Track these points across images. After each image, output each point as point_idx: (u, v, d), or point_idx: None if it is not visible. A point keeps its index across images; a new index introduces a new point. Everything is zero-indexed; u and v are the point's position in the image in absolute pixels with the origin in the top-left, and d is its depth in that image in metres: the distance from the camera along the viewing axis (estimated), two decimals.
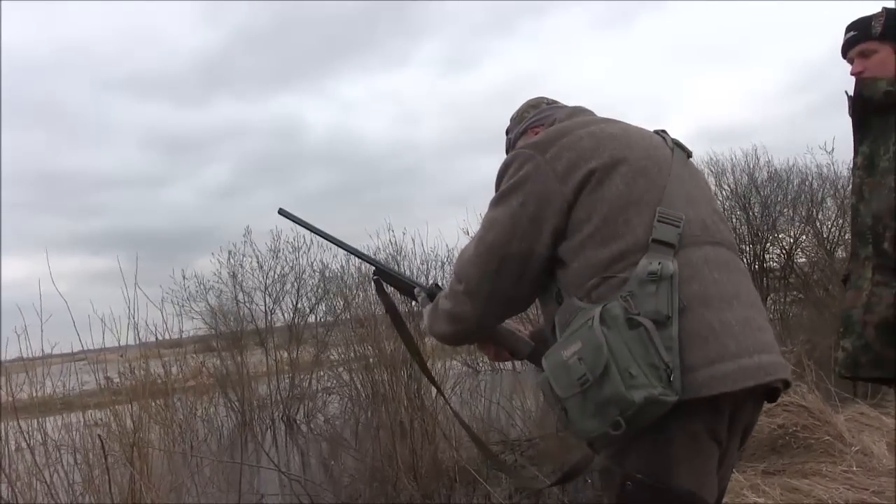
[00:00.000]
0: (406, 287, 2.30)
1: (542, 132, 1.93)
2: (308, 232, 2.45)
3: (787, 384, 1.75)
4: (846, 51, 2.62)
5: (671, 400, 1.51)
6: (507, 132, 2.20)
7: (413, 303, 2.45)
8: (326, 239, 2.42)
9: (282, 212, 2.40)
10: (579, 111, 2.03)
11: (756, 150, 12.47)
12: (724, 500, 3.97)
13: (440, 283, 2.16)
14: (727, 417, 1.67)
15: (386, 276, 2.40)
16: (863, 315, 2.45)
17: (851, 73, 2.58)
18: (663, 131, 1.94)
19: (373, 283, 2.42)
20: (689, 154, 1.91)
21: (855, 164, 2.58)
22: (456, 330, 1.92)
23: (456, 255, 11.33)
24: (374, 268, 2.42)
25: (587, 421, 1.54)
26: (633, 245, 1.65)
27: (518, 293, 1.81)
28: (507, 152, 2.14)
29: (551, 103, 2.14)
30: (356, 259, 11.34)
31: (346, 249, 2.49)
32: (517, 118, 2.16)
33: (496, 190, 1.85)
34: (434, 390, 6.62)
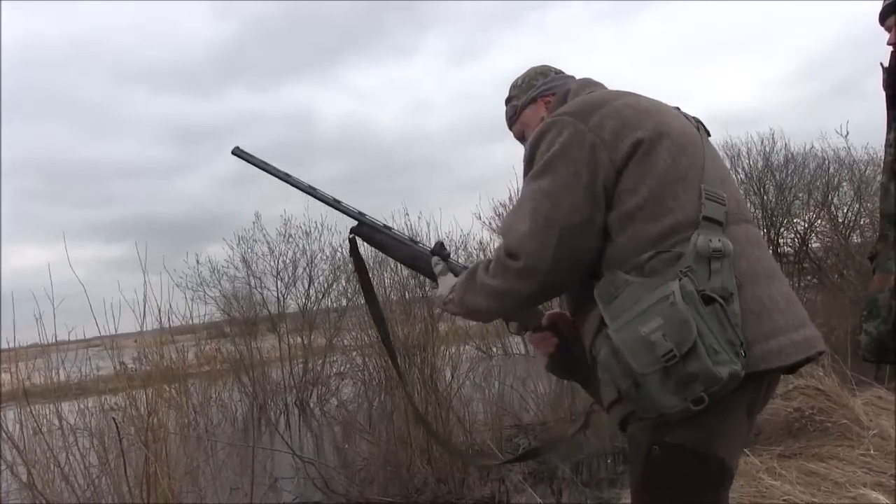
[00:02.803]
0: (404, 250, 2.11)
1: (573, 101, 1.86)
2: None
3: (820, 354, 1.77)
4: (885, 17, 2.49)
5: (742, 374, 1.53)
6: (510, 100, 2.12)
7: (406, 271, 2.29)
8: (291, 184, 2.16)
9: (236, 151, 2.20)
10: (591, 82, 2.00)
11: (773, 134, 12.36)
12: (741, 482, 3.97)
13: (445, 244, 2.05)
14: (764, 390, 1.73)
15: (373, 233, 2.13)
16: (890, 299, 2.40)
17: (888, 43, 2.46)
18: (678, 108, 1.93)
19: (348, 242, 2.19)
20: (709, 133, 1.93)
21: (888, 140, 2.49)
22: (500, 307, 1.82)
23: (471, 240, 11.33)
24: (355, 222, 2.14)
25: (667, 397, 1.52)
26: (684, 221, 1.66)
27: (575, 269, 1.72)
28: (511, 120, 2.12)
29: (559, 72, 2.10)
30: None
31: (314, 195, 2.18)
32: (524, 85, 2.09)
33: (530, 159, 1.79)
34: (446, 375, 6.63)
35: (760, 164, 12.25)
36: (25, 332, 4.54)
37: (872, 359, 2.53)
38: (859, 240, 11.07)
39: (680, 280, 1.55)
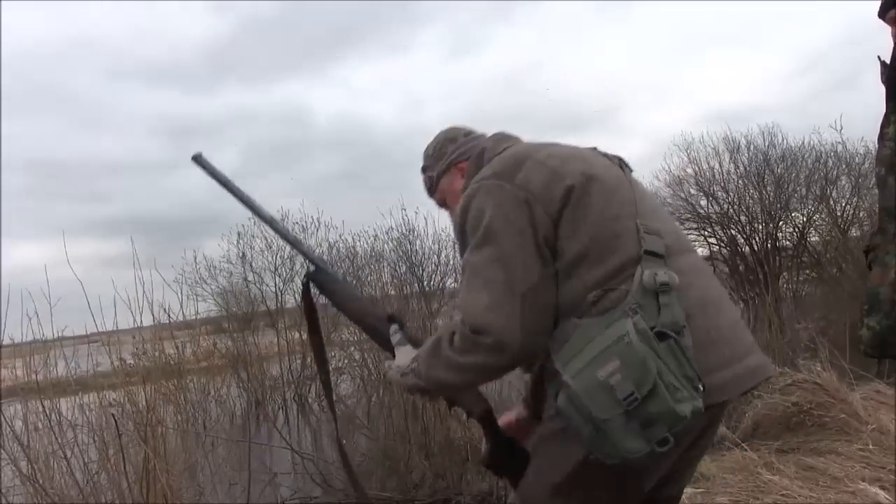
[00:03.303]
0: (360, 308, 2.02)
1: (493, 161, 1.82)
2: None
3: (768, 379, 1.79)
4: (884, 12, 2.47)
5: (703, 410, 1.51)
6: (424, 170, 2.08)
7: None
8: (253, 210, 2.00)
9: (198, 159, 1.98)
10: (505, 137, 1.98)
11: (772, 128, 12.35)
12: (738, 477, 3.98)
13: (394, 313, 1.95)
14: (713, 420, 1.74)
15: (329, 282, 2.01)
16: (891, 293, 2.39)
17: (894, 36, 2.43)
18: (594, 148, 1.91)
19: (302, 286, 2.05)
20: (631, 170, 1.91)
21: (884, 133, 2.48)
22: (473, 381, 1.79)
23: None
24: (313, 267, 2.02)
25: (631, 441, 1.48)
26: (627, 259, 1.65)
27: (546, 329, 1.66)
28: (430, 191, 2.09)
29: (468, 133, 2.05)
30: (365, 238, 11.27)
31: (275, 228, 2.07)
32: (435, 154, 2.04)
33: (462, 230, 1.75)
34: None
35: (759, 158, 12.24)
36: (24, 329, 4.53)
37: (874, 354, 2.53)
38: (858, 234, 11.07)
39: (632, 318, 1.53)
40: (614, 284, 1.62)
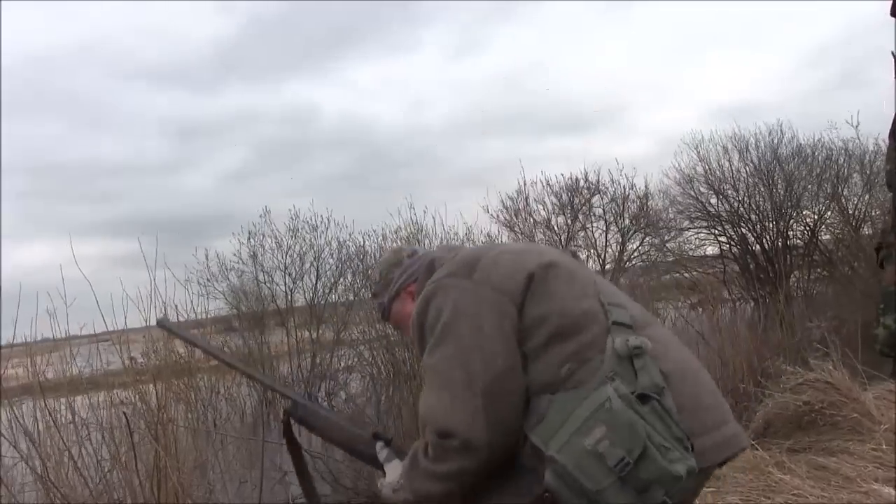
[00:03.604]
0: (344, 434, 2.00)
1: (445, 266, 1.82)
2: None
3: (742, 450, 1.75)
4: None
5: (697, 469, 1.48)
6: (375, 295, 2.08)
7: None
8: (224, 362, 2.13)
9: (161, 323, 2.16)
10: (451, 246, 2.02)
11: (781, 125, 12.30)
12: (749, 476, 3.96)
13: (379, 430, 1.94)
14: (694, 487, 1.67)
15: (310, 416, 2.02)
16: None
17: None
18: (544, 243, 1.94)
19: (282, 424, 2.08)
20: (581, 260, 1.97)
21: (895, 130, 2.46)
22: (457, 486, 1.68)
23: (476, 233, 11.33)
24: (291, 403, 2.04)
25: None
26: (597, 332, 1.63)
27: (518, 417, 1.60)
28: (384, 317, 2.08)
29: (412, 254, 2.05)
30: (375, 236, 11.30)
31: (248, 375, 2.15)
32: (382, 281, 2.04)
33: (420, 332, 1.73)
34: None
35: (769, 155, 12.20)
36: (35, 328, 4.55)
37: (890, 353, 2.51)
38: (870, 231, 11.02)
39: (611, 384, 1.50)
40: (586, 356, 1.59)
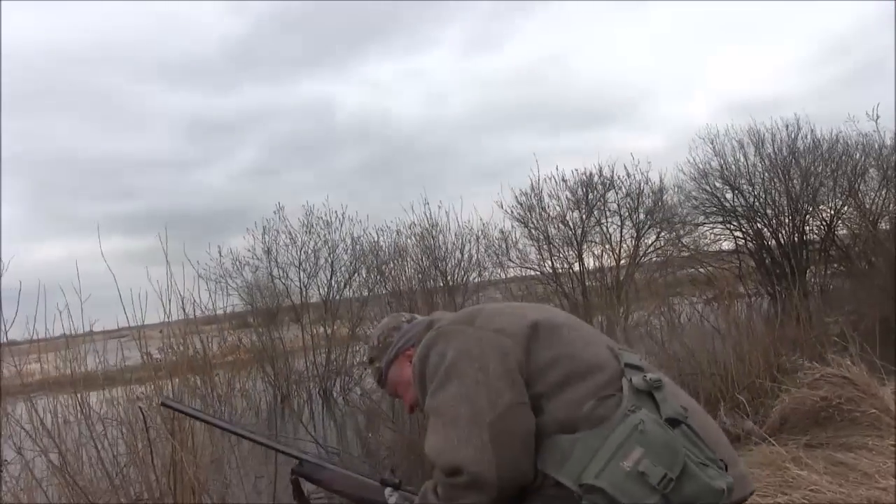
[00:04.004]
0: (352, 483, 1.99)
1: (448, 317, 1.84)
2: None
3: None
4: None
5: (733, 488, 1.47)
6: (371, 361, 2.06)
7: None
8: (228, 430, 2.17)
9: (165, 403, 2.29)
10: (446, 313, 1.99)
11: (798, 120, 12.21)
12: (766, 472, 3.93)
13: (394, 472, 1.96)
14: None
15: (317, 470, 2.03)
16: None
17: None
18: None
19: (291, 484, 2.07)
20: None
21: None
22: None
23: (491, 229, 11.32)
24: (297, 461, 2.05)
25: None
26: (613, 373, 1.63)
27: (526, 454, 1.57)
28: (380, 382, 2.06)
29: (410, 319, 2.05)
30: (389, 232, 11.31)
31: (253, 440, 2.14)
32: (381, 346, 2.02)
33: (422, 377, 1.72)
34: None
35: (785, 150, 12.12)
36: (53, 324, 4.58)
37: None
38: (887, 226, 10.94)
39: (639, 412, 1.49)
40: (607, 392, 1.58)
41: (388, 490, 1.93)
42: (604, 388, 1.59)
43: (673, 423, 1.49)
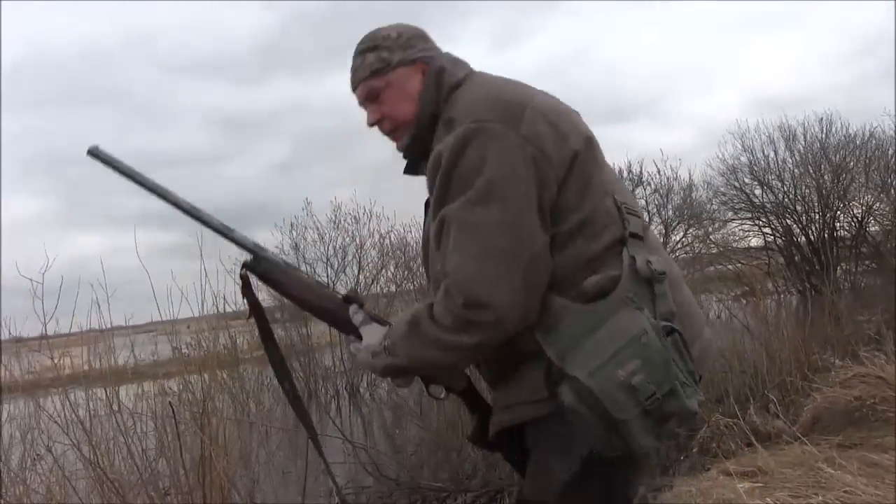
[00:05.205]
0: (312, 292, 1.81)
1: (480, 98, 1.62)
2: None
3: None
4: None
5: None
6: (375, 48, 1.73)
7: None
8: (166, 199, 1.76)
9: (92, 152, 1.75)
10: (458, 60, 1.77)
11: (830, 115, 12.06)
12: (797, 472, 3.89)
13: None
14: None
15: (273, 270, 1.79)
16: None
17: None
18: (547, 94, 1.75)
19: (240, 278, 1.81)
20: None
21: None
22: (466, 360, 1.64)
23: None
24: (252, 255, 1.79)
25: (645, 438, 1.44)
26: (614, 238, 1.58)
27: (539, 303, 1.52)
28: (372, 72, 1.74)
29: (429, 40, 1.79)
30: (417, 228, 11.37)
31: (198, 218, 1.78)
32: (402, 43, 1.73)
33: (449, 172, 1.53)
34: None
35: (816, 146, 11.97)
36: (83, 319, 4.62)
37: None
38: None
39: (643, 313, 1.48)
40: (601, 266, 1.54)
41: (353, 307, 1.75)
42: (604, 253, 1.55)
43: (668, 331, 1.47)
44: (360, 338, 1.73)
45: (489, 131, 1.52)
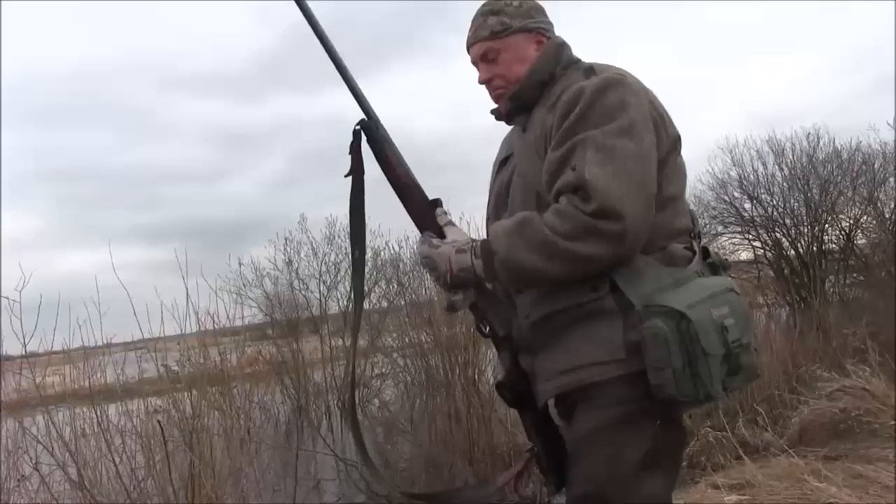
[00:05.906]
0: (408, 180, 1.78)
1: (605, 65, 1.72)
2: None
3: None
4: None
5: None
6: (497, 13, 1.79)
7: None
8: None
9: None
10: (567, 45, 1.83)
11: (818, 130, 12.14)
12: (784, 484, 3.90)
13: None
14: None
15: (384, 143, 1.79)
16: None
17: None
18: None
19: (353, 134, 1.80)
20: None
21: None
22: (568, 274, 1.55)
23: None
24: (366, 115, 1.80)
25: (714, 384, 1.48)
26: (687, 226, 1.73)
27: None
28: (491, 34, 1.79)
29: (546, 15, 1.86)
30: (409, 245, 11.33)
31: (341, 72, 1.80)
32: (523, 11, 1.79)
33: (591, 104, 1.59)
34: (488, 376, 6.61)
35: (804, 160, 12.04)
36: (72, 337, 4.62)
37: None
38: None
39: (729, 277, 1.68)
40: (686, 241, 1.69)
41: (440, 208, 1.78)
42: (681, 234, 1.69)
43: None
44: (440, 236, 1.74)
45: (630, 85, 1.64)
